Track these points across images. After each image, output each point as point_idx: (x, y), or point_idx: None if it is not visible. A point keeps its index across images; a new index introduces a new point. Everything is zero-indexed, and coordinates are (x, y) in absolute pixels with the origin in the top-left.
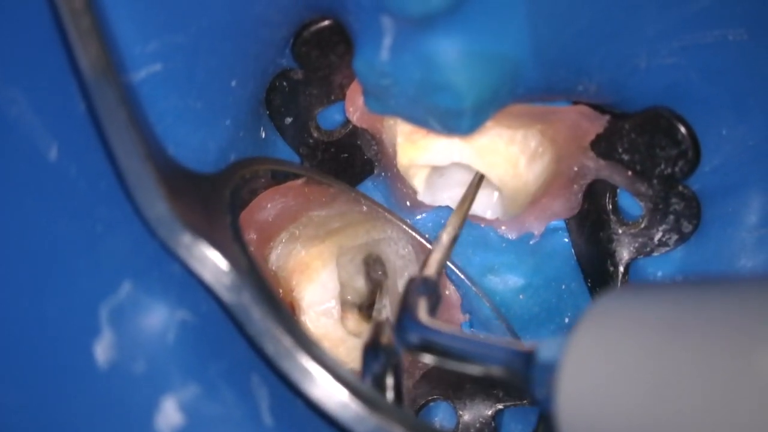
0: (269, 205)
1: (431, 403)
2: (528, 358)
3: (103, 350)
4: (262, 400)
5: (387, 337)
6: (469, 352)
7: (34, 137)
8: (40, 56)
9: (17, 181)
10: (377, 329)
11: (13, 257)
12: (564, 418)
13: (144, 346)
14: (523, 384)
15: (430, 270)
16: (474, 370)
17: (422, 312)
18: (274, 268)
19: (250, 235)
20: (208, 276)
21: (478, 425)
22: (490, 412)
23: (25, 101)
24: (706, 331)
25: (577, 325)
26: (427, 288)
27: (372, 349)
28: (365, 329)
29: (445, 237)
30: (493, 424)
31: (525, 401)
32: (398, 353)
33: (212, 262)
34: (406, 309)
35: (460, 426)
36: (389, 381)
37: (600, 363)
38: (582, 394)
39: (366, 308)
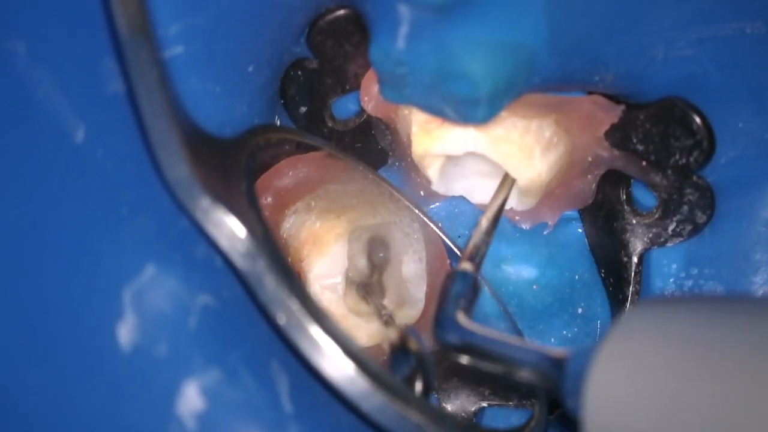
0: (290, 173)
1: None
2: (559, 363)
3: (126, 333)
4: (282, 387)
5: (414, 343)
6: (503, 354)
7: (61, 119)
8: (69, 37)
9: (43, 163)
10: (402, 335)
11: (38, 239)
12: (591, 425)
13: (166, 329)
14: (554, 389)
15: (468, 264)
16: (507, 372)
17: (460, 313)
18: (285, 236)
19: (267, 200)
20: (223, 241)
21: (459, 419)
22: (473, 408)
23: (53, 82)
24: (735, 346)
25: (606, 337)
26: (465, 283)
27: (402, 354)
28: (363, 309)
29: (485, 222)
30: (474, 420)
31: (510, 402)
32: (429, 358)
33: (229, 227)
34: (443, 308)
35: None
36: (418, 385)
37: (627, 375)
38: (608, 403)
39: (364, 288)
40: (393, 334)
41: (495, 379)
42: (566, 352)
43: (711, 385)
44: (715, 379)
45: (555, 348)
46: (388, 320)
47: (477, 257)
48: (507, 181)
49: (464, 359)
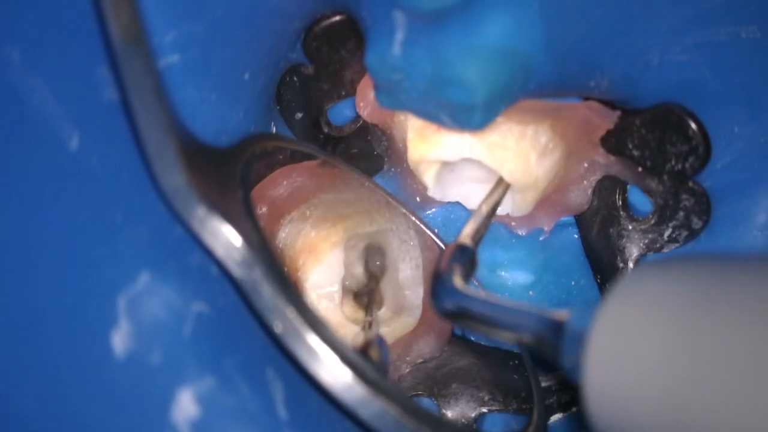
0: (285, 182)
1: (414, 398)
2: (558, 326)
3: (120, 340)
4: (277, 394)
5: (375, 350)
6: (500, 318)
7: (56, 126)
8: (64, 44)
9: (38, 170)
10: (366, 342)
11: (33, 246)
12: (591, 388)
13: (161, 337)
14: (552, 352)
15: (467, 238)
16: (504, 336)
17: (457, 278)
18: (281, 245)
19: (262, 210)
20: (220, 250)
21: (459, 425)
22: (473, 414)
23: (47, 90)
24: (738, 305)
25: (608, 296)
26: (463, 255)
27: None
28: (360, 317)
29: (485, 207)
30: (474, 426)
31: (510, 407)
32: (386, 368)
33: (225, 236)
34: (440, 275)
35: None
36: None
37: (629, 334)
38: (610, 365)
39: (361, 296)
40: (360, 339)
41: (494, 381)
42: (565, 314)
43: (717, 342)
44: (720, 335)
45: (554, 310)
46: (366, 326)
47: (476, 237)
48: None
49: (461, 323)
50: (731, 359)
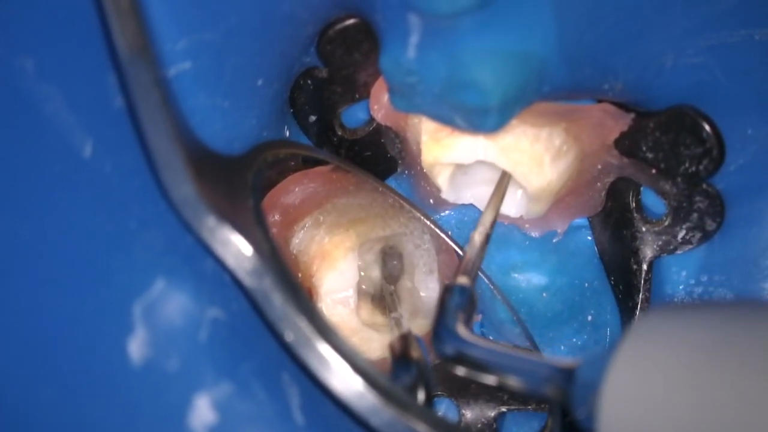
0: (297, 189)
1: (434, 399)
2: (568, 375)
3: (137, 347)
4: (293, 399)
5: (416, 350)
6: (507, 366)
7: (69, 134)
8: (76, 52)
9: (52, 178)
10: (404, 342)
11: (48, 254)
12: None
13: (177, 343)
14: (563, 400)
15: (463, 278)
16: (512, 384)
17: (459, 325)
18: (295, 252)
19: (274, 217)
20: (230, 260)
21: (479, 425)
22: (492, 414)
23: (61, 97)
24: (752, 350)
25: (619, 345)
26: (463, 296)
27: (403, 362)
28: (377, 320)
29: (477, 238)
30: (494, 426)
31: (529, 406)
32: (429, 366)
33: (235, 246)
34: (442, 321)
35: (462, 424)
36: (420, 395)
37: (642, 384)
38: (624, 415)
39: (379, 299)
40: (396, 340)
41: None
42: (576, 362)
43: (730, 392)
44: (733, 385)
45: (563, 358)
46: (396, 323)
47: (472, 271)
48: (498, 193)
49: (465, 372)
50: (745, 407)
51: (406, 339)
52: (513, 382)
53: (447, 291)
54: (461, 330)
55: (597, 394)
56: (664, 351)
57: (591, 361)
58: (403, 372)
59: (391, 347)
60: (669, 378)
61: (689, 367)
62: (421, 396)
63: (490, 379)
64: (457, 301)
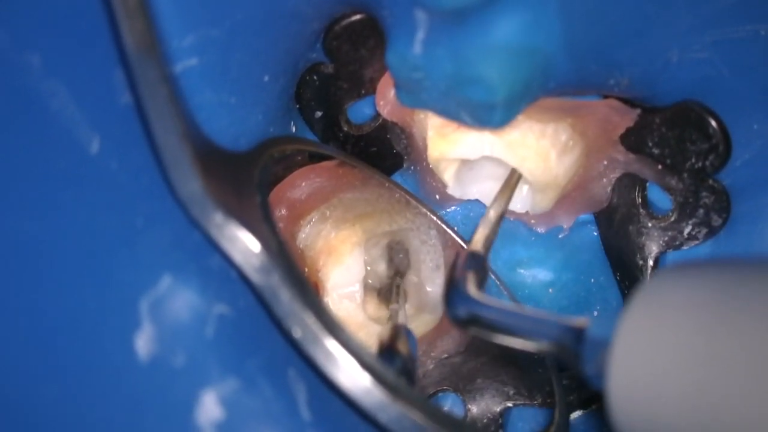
0: (303, 184)
1: (440, 394)
2: (578, 334)
3: (144, 343)
4: (300, 395)
5: (403, 343)
6: (517, 326)
7: (76, 130)
8: (82, 48)
9: (58, 175)
10: (394, 334)
11: (54, 250)
12: (615, 395)
13: (183, 339)
14: (572, 359)
15: (477, 245)
16: (522, 344)
17: (471, 286)
18: (301, 246)
19: (281, 212)
20: (238, 256)
21: (485, 420)
22: (498, 409)
23: (67, 94)
24: (761, 310)
25: (630, 303)
26: (475, 263)
27: (388, 353)
28: (384, 315)
29: (492, 213)
30: (500, 421)
31: (535, 401)
32: (414, 360)
33: (243, 242)
34: (454, 283)
35: (467, 419)
36: None
37: (653, 341)
38: (634, 372)
39: (385, 293)
40: (386, 332)
41: (519, 375)
42: (586, 321)
43: (740, 345)
44: (743, 338)
45: (573, 317)
46: (393, 315)
47: (486, 243)
48: (515, 175)
49: (476, 332)
50: (756, 362)
51: (395, 331)
52: (524, 341)
53: (460, 255)
54: (472, 290)
55: (607, 352)
56: (675, 308)
57: (600, 319)
58: (387, 364)
59: (379, 338)
60: (680, 334)
61: (700, 324)
62: None
63: (501, 339)
64: (469, 264)
